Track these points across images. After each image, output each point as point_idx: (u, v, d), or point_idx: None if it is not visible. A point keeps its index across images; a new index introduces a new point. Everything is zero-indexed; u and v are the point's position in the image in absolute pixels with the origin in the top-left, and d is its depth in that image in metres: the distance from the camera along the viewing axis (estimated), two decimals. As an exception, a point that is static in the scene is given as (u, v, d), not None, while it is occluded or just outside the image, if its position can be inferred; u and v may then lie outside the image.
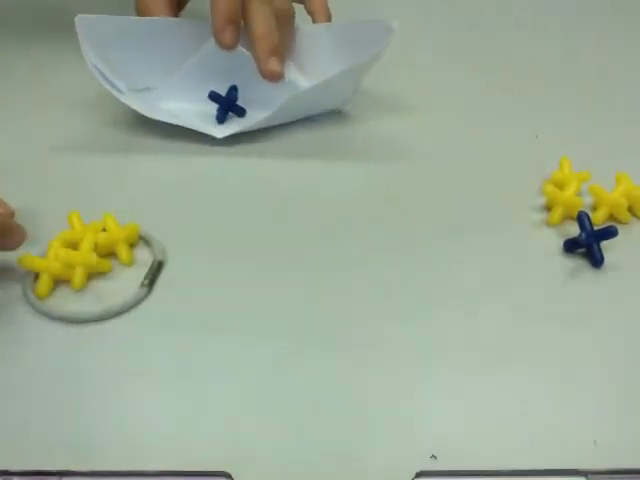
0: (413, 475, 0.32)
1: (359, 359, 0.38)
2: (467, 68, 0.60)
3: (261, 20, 0.50)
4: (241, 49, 0.52)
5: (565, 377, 0.37)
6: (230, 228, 0.46)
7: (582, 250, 0.43)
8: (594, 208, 0.46)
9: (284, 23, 0.53)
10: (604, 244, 0.42)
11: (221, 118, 0.54)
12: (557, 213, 0.45)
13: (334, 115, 0.55)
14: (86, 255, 0.41)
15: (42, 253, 0.42)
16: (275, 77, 0.50)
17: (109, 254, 0.43)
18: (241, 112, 0.54)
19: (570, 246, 0.43)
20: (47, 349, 0.38)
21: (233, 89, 0.54)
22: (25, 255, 0.41)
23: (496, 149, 0.52)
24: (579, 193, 0.46)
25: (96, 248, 0.42)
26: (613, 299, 0.41)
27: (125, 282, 0.42)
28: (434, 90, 0.58)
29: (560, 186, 0.46)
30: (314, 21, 0.56)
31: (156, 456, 0.34)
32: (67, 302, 0.41)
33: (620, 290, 0.42)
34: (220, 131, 0.52)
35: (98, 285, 0.42)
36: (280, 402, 0.36)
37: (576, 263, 0.43)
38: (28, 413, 0.35)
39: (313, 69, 0.54)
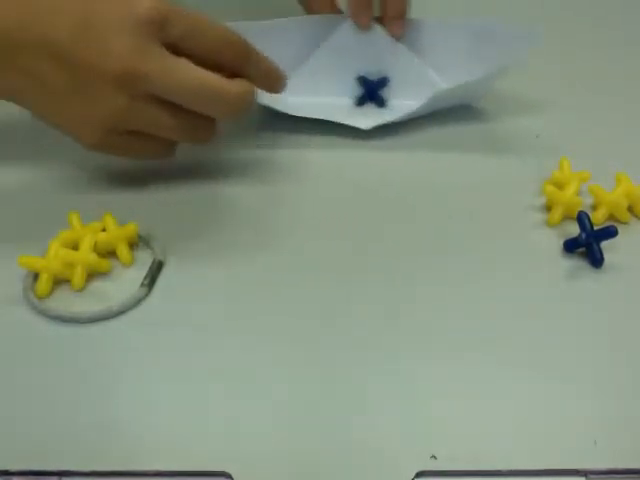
0: (413, 475, 0.32)
1: (359, 359, 0.38)
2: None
3: None
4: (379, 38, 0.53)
5: (565, 377, 0.37)
6: (230, 228, 0.46)
7: (582, 250, 0.43)
8: (594, 208, 0.46)
9: None
10: (604, 244, 0.42)
11: (360, 102, 0.54)
12: (557, 213, 0.45)
13: (467, 111, 0.55)
14: (86, 255, 0.41)
15: (42, 253, 0.42)
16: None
17: (109, 254, 0.43)
18: (380, 102, 0.54)
19: (570, 246, 0.43)
20: (47, 349, 0.38)
21: (385, 79, 0.54)
22: (25, 255, 0.41)
23: (496, 149, 0.52)
24: (579, 193, 0.46)
25: (96, 248, 0.42)
26: (613, 299, 0.41)
27: (125, 282, 0.42)
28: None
29: (560, 186, 0.46)
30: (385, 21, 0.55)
31: (156, 456, 0.34)
32: (67, 302, 0.41)
33: (620, 290, 0.42)
34: (364, 123, 0.51)
35: (98, 285, 0.42)
36: (280, 402, 0.36)
37: (576, 263, 0.43)
38: (28, 413, 0.35)
39: (449, 68, 0.54)
